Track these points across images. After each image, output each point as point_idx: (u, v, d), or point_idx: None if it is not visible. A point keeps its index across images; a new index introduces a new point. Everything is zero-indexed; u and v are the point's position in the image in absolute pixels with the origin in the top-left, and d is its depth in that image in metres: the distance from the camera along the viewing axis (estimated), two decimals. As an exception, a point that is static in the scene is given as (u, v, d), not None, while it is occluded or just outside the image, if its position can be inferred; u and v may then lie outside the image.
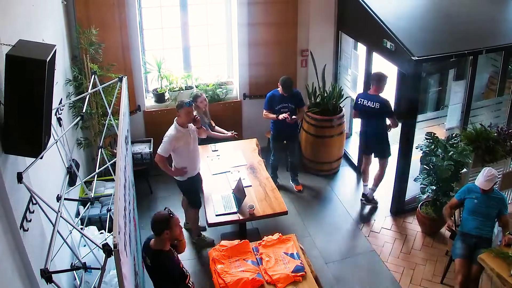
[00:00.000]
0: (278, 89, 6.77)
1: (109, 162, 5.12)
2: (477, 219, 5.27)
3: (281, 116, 6.66)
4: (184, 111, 5.52)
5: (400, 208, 6.77)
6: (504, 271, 4.65)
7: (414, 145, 6.26)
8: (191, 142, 5.70)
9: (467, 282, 5.04)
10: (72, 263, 4.75)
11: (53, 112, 3.91)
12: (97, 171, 4.80)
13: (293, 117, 6.69)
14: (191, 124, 5.70)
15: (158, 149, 5.54)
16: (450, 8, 6.98)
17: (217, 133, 6.81)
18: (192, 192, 5.99)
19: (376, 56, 6.84)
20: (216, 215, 5.56)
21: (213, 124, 7.16)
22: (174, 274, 4.09)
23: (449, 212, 5.50)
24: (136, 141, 7.31)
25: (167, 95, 7.65)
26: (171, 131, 5.58)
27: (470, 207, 5.34)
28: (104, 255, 2.84)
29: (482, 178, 5.20)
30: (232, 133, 6.75)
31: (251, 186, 6.03)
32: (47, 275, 2.87)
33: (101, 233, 5.39)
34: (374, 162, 6.92)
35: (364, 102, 6.51)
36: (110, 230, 5.20)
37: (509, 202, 6.83)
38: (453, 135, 6.14)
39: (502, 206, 5.28)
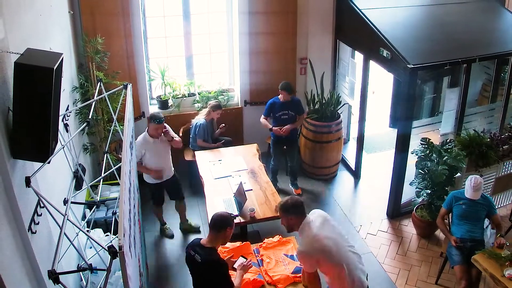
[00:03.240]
0: (279, 96, 6.79)
1: (114, 166, 5.11)
2: (468, 223, 5.25)
3: (275, 129, 6.83)
4: (152, 127, 5.75)
5: (396, 211, 6.76)
6: (497, 271, 4.65)
7: (410, 150, 6.26)
8: (158, 151, 5.93)
9: (471, 286, 5.03)
10: (78, 264, 4.75)
11: (60, 118, 3.91)
12: (102, 175, 4.80)
13: (285, 127, 6.80)
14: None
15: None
16: (444, 18, 7.00)
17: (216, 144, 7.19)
18: (157, 193, 6.27)
19: (372, 64, 6.85)
20: (218, 218, 5.54)
21: (217, 132, 7.28)
22: (226, 269, 4.12)
23: (444, 225, 5.47)
24: (140, 146, 7.31)
25: (170, 102, 7.65)
26: (139, 138, 5.85)
27: (459, 213, 5.32)
28: (109, 256, 2.84)
29: (471, 189, 5.19)
30: (221, 127, 7.22)
31: (252, 190, 6.02)
32: (54, 276, 2.87)
33: (107, 235, 5.38)
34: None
35: None
36: (115, 233, 5.19)
37: (504, 205, 6.87)
38: (448, 140, 6.15)
39: (490, 207, 5.28)
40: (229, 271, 4.28)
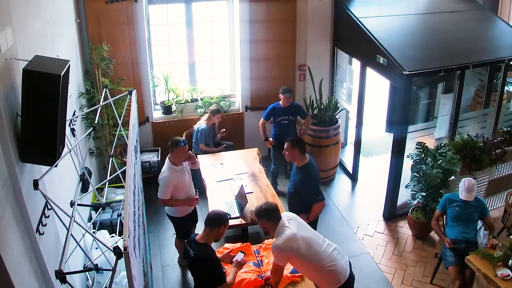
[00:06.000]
0: (280, 102, 6.80)
1: (119, 170, 5.13)
2: (461, 225, 5.25)
3: (267, 144, 7.08)
4: (182, 149, 5.16)
5: (392, 213, 6.76)
6: (490, 271, 4.65)
7: (405, 154, 6.26)
8: (186, 179, 5.39)
9: (465, 286, 5.02)
10: (84, 264, 4.75)
11: (67, 123, 3.92)
12: (108, 178, 4.81)
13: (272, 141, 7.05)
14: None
15: (159, 194, 5.19)
16: (439, 26, 7.01)
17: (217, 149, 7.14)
18: (184, 228, 5.66)
19: (369, 71, 6.86)
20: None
21: (218, 137, 7.28)
22: (217, 265, 4.19)
23: (439, 227, 5.47)
24: (144, 150, 7.32)
25: (173, 107, 7.66)
26: (166, 172, 5.16)
27: (453, 215, 5.32)
28: (115, 257, 2.84)
29: (464, 191, 5.20)
30: (221, 132, 7.23)
31: (252, 192, 6.02)
32: (61, 276, 2.87)
33: (112, 236, 5.39)
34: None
35: None
36: (120, 234, 5.19)
37: (496, 207, 6.87)
38: (442, 144, 6.16)
39: (483, 209, 5.28)
40: (226, 265, 4.44)
